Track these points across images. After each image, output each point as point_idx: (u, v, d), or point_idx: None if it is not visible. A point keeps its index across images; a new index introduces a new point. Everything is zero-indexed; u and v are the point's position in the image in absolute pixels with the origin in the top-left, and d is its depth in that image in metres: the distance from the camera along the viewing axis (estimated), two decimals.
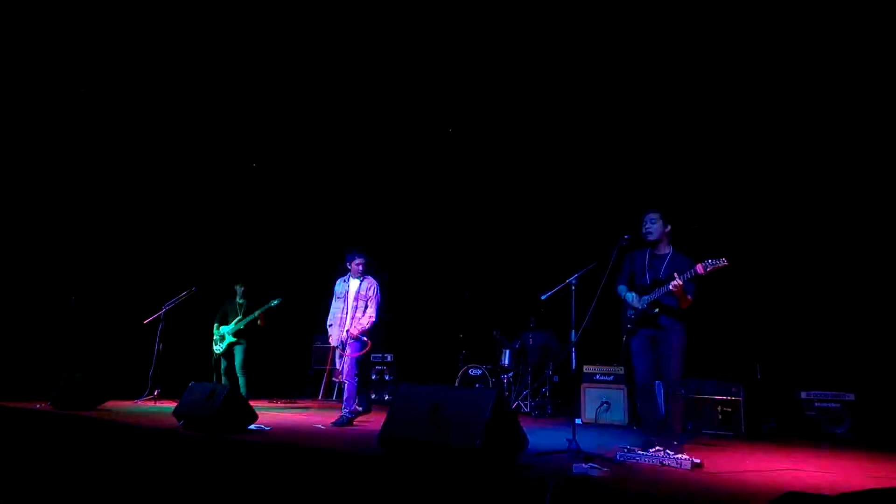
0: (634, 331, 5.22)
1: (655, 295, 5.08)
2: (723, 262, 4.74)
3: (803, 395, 7.16)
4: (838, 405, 6.95)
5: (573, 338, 5.09)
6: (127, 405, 7.76)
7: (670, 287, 4.87)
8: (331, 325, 7.04)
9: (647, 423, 5.30)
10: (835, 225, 7.76)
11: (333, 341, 6.97)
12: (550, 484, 3.63)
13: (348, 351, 6.80)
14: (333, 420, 6.61)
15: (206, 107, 9.65)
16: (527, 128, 9.44)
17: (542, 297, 5.35)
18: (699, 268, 4.82)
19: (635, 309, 5.20)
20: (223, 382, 8.12)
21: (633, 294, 5.27)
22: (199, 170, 10.51)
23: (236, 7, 7.97)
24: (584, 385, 8.03)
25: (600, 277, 5.06)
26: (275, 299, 8.18)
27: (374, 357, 9.91)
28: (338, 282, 7.14)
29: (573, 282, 5.17)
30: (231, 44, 8.59)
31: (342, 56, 8.76)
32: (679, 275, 4.89)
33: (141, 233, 10.04)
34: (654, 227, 5.25)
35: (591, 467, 4.05)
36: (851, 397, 6.94)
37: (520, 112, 9.26)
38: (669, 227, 5.29)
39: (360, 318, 6.84)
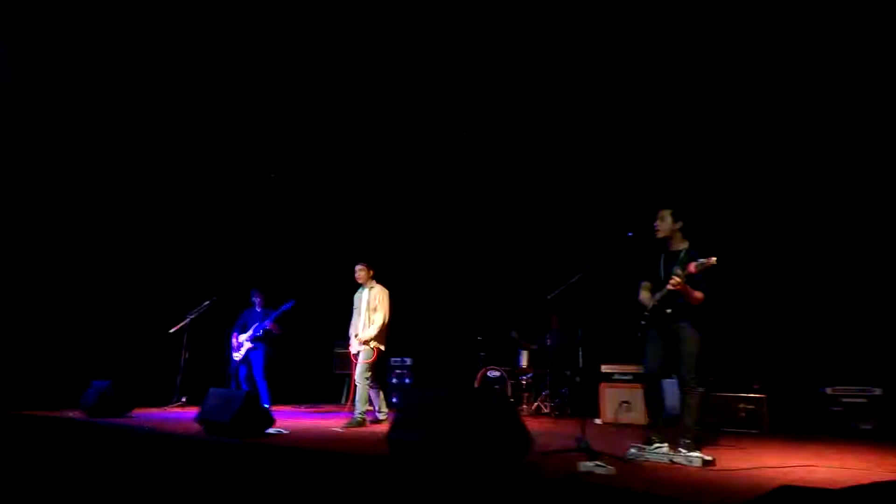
0: (648, 326, 5.20)
1: (663, 292, 5.05)
2: (711, 260, 4.74)
3: (828, 390, 7.02)
4: (865, 400, 6.81)
5: (579, 335, 5.09)
6: (155, 412, 7.96)
7: (668, 287, 4.87)
8: (352, 335, 7.46)
9: (651, 419, 5.24)
10: (860, 218, 7.60)
11: (352, 349, 7.37)
12: (552, 482, 3.66)
13: (360, 357, 7.17)
14: (345, 422, 6.86)
15: (226, 120, 9.86)
16: (541, 129, 9.44)
17: (549, 297, 5.37)
18: (691, 266, 4.83)
19: (646, 307, 5.19)
20: (243, 389, 8.27)
21: (646, 293, 5.27)
22: (221, 182, 10.74)
23: (259, 21, 8.14)
24: (602, 385, 8.00)
25: (607, 276, 5.07)
26: (287, 303, 8.34)
27: (394, 361, 9.99)
28: (356, 293, 7.58)
29: (578, 281, 5.17)
30: (249, 56, 8.76)
31: (357, 68, 8.90)
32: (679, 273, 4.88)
33: (165, 244, 10.26)
34: (662, 224, 5.24)
35: (597, 465, 4.06)
36: (879, 392, 6.80)
37: (534, 115, 9.29)
38: (681, 224, 5.25)
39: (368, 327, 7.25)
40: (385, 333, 7.31)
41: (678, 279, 4.83)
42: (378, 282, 7.54)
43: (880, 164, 7.48)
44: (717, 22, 7.29)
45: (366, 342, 7.16)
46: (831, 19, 6.87)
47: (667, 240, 5.27)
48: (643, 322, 5.19)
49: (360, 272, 7.48)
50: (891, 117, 7.28)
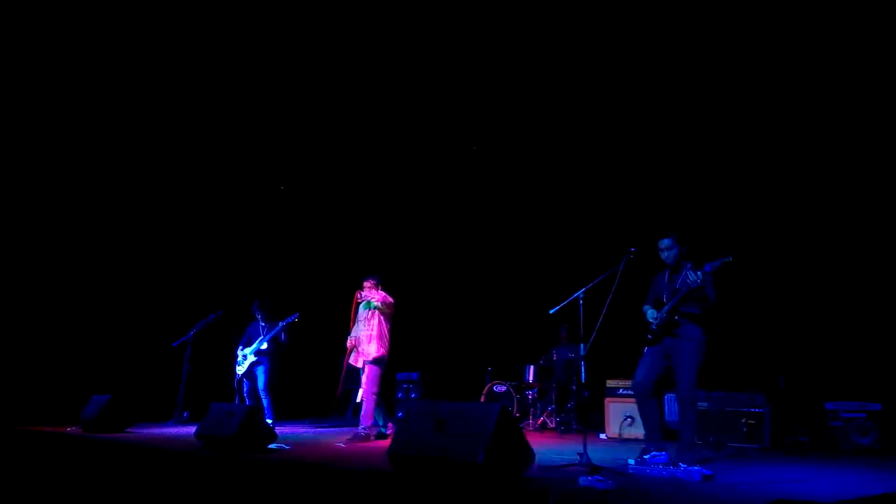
0: (655, 341, 5.24)
1: (673, 301, 5.10)
2: (727, 258, 4.82)
3: (829, 405, 7.00)
4: (864, 415, 6.78)
5: (582, 351, 5.11)
6: (156, 427, 7.95)
7: (689, 283, 4.92)
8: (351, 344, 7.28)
9: (645, 430, 5.27)
10: (859, 233, 7.60)
11: (357, 362, 7.23)
12: (551, 497, 3.65)
13: (366, 370, 7.07)
14: (349, 437, 6.82)
15: (234, 132, 9.93)
16: (544, 145, 9.52)
17: (551, 312, 5.39)
18: (707, 266, 4.91)
19: (654, 321, 5.23)
20: (246, 404, 8.24)
21: (653, 310, 5.32)
22: (228, 193, 10.79)
23: (267, 32, 8.22)
24: (607, 400, 7.96)
25: (609, 290, 5.10)
26: (291, 315, 8.26)
27: (400, 375, 9.97)
28: (362, 304, 7.36)
29: (581, 296, 5.20)
30: (255, 68, 8.84)
31: (363, 81, 8.98)
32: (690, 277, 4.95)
33: (168, 257, 10.29)
34: (670, 253, 5.34)
35: (597, 480, 4.05)
36: (878, 407, 6.76)
37: (538, 131, 9.37)
38: (686, 249, 5.35)
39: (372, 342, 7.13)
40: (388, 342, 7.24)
41: (697, 276, 4.90)
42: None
43: (879, 179, 7.49)
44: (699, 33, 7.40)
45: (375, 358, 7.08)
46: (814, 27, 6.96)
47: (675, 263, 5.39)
48: (650, 337, 5.23)
49: (370, 291, 7.27)
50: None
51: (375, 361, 7.06)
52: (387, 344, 7.17)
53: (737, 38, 7.39)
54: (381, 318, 7.19)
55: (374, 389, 7.01)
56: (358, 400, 7.35)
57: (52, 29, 8.01)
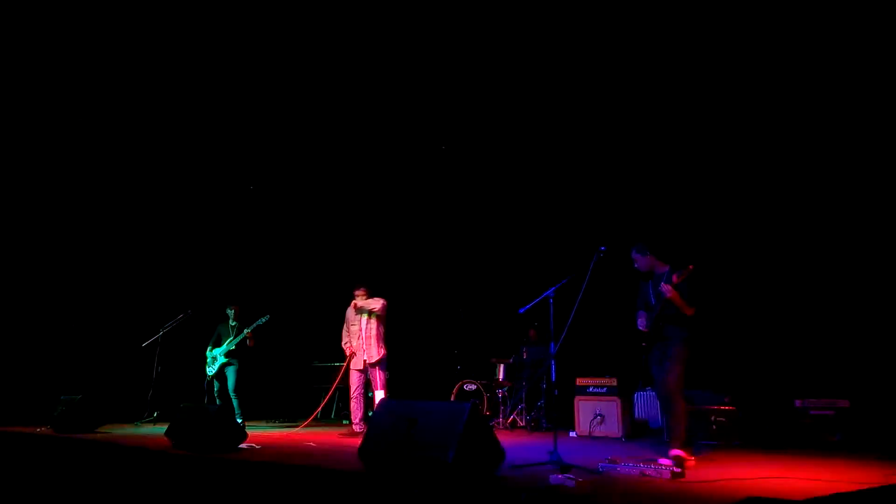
0: (649, 348, 5.51)
1: (656, 310, 5.36)
2: (689, 268, 5.11)
3: (797, 403, 7.12)
4: (832, 412, 6.91)
5: (552, 349, 5.14)
6: (126, 427, 7.85)
7: (665, 296, 5.15)
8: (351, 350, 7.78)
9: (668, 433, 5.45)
10: (828, 234, 7.74)
11: (357, 366, 7.67)
12: (522, 496, 3.67)
13: (373, 373, 7.57)
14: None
15: (204, 131, 9.81)
16: (513, 147, 9.58)
17: (521, 311, 5.42)
18: (674, 277, 5.16)
19: (645, 331, 5.49)
20: (216, 404, 8.17)
21: (643, 318, 5.54)
22: (198, 193, 10.67)
23: (233, 30, 8.14)
24: (577, 398, 8.02)
25: (579, 289, 5.14)
26: (262, 317, 8.23)
27: None
28: (349, 309, 7.87)
29: (551, 294, 5.23)
30: (226, 68, 8.74)
31: (336, 80, 8.94)
32: (663, 289, 5.18)
33: (138, 257, 10.16)
34: (640, 262, 5.61)
35: (567, 478, 4.08)
36: (846, 404, 6.90)
37: (506, 133, 9.41)
38: (655, 253, 5.58)
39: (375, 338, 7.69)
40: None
41: (669, 286, 5.12)
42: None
43: (844, 184, 7.63)
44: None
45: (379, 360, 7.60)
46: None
47: (648, 272, 5.62)
48: (644, 344, 5.49)
49: (364, 301, 7.74)
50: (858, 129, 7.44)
51: (380, 363, 7.58)
52: (385, 344, 7.70)
53: (702, 43, 7.50)
54: (378, 320, 7.67)
55: (385, 389, 7.56)
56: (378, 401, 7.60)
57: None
